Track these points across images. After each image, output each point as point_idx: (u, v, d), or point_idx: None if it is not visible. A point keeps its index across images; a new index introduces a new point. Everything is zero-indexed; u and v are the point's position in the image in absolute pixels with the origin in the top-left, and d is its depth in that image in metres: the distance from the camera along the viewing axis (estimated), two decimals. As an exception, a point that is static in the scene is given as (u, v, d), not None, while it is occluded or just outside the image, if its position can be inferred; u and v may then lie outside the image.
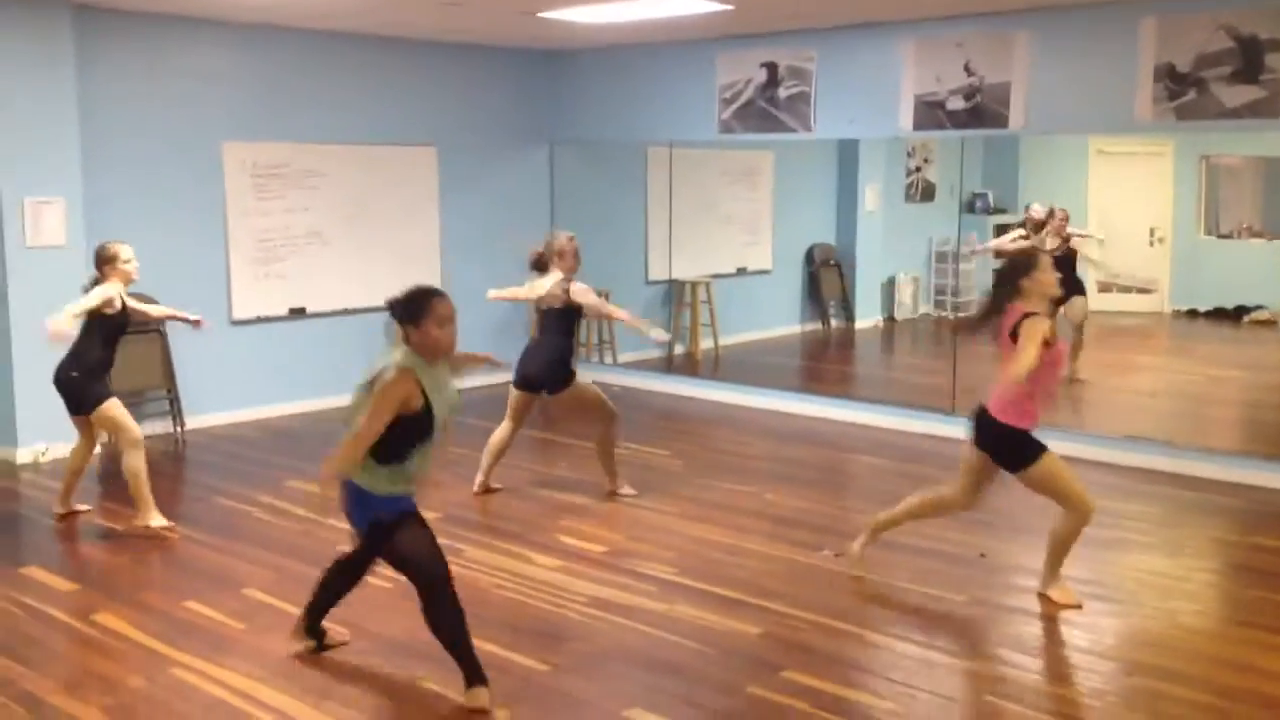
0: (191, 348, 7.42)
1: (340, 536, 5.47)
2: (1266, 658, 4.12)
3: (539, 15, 7.20)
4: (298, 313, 8.17)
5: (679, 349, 10.06)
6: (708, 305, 10.20)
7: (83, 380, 5.44)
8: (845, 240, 11.17)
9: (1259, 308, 10.97)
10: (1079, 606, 4.54)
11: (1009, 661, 4.10)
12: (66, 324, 5.22)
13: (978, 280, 11.25)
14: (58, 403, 6.78)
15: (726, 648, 4.21)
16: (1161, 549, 5.37)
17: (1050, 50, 6.87)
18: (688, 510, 5.91)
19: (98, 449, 7.06)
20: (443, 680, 3.90)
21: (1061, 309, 8.31)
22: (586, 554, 5.22)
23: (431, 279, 8.75)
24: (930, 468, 6.82)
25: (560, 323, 5.94)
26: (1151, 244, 10.90)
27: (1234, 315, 11.02)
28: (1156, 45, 6.42)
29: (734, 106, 8.35)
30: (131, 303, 5.56)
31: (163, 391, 7.45)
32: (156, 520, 5.48)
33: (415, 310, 3.65)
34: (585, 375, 6.18)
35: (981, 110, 7.16)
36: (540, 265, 5.99)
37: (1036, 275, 4.36)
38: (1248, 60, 6.13)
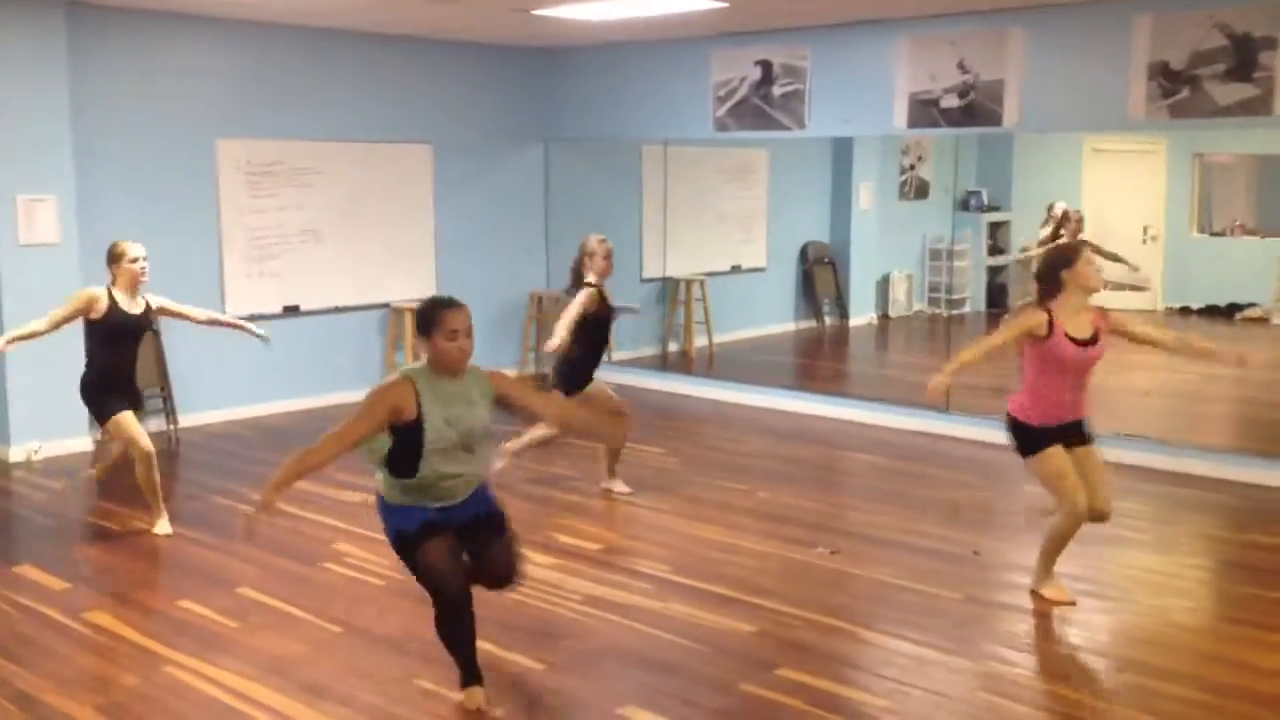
0: (185, 346, 7.41)
1: (334, 535, 5.48)
2: (1259, 654, 4.14)
3: (533, 12, 7.20)
4: (292, 310, 8.16)
5: (673, 346, 10.07)
6: (702, 303, 10.21)
7: (93, 389, 5.40)
8: (839, 238, 11.18)
9: (1251, 305, 11.00)
10: (1073, 603, 4.55)
11: (1002, 658, 4.11)
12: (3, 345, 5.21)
13: (971, 278, 11.28)
14: (50, 401, 6.82)
15: (721, 645, 4.21)
16: (1154, 546, 5.39)
17: (1044, 48, 6.88)
18: (683, 508, 5.91)
19: (90, 447, 7.07)
20: (437, 678, 3.90)
21: None
22: (582, 552, 5.22)
23: (426, 277, 8.77)
24: (925, 465, 6.84)
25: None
26: (1145, 241, 10.93)
27: (1226, 312, 11.05)
28: (1150, 43, 6.43)
29: (729, 104, 8.35)
30: (159, 301, 5.44)
31: (156, 389, 7.43)
32: (160, 528, 5.46)
33: (425, 322, 3.56)
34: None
35: (975, 108, 7.17)
36: (578, 277, 5.92)
37: (1078, 267, 4.37)
38: (1241, 58, 6.14)
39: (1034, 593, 4.63)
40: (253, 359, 7.92)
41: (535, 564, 5.03)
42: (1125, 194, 10.91)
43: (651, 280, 9.99)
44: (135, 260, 5.32)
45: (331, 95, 8.22)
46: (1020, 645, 4.24)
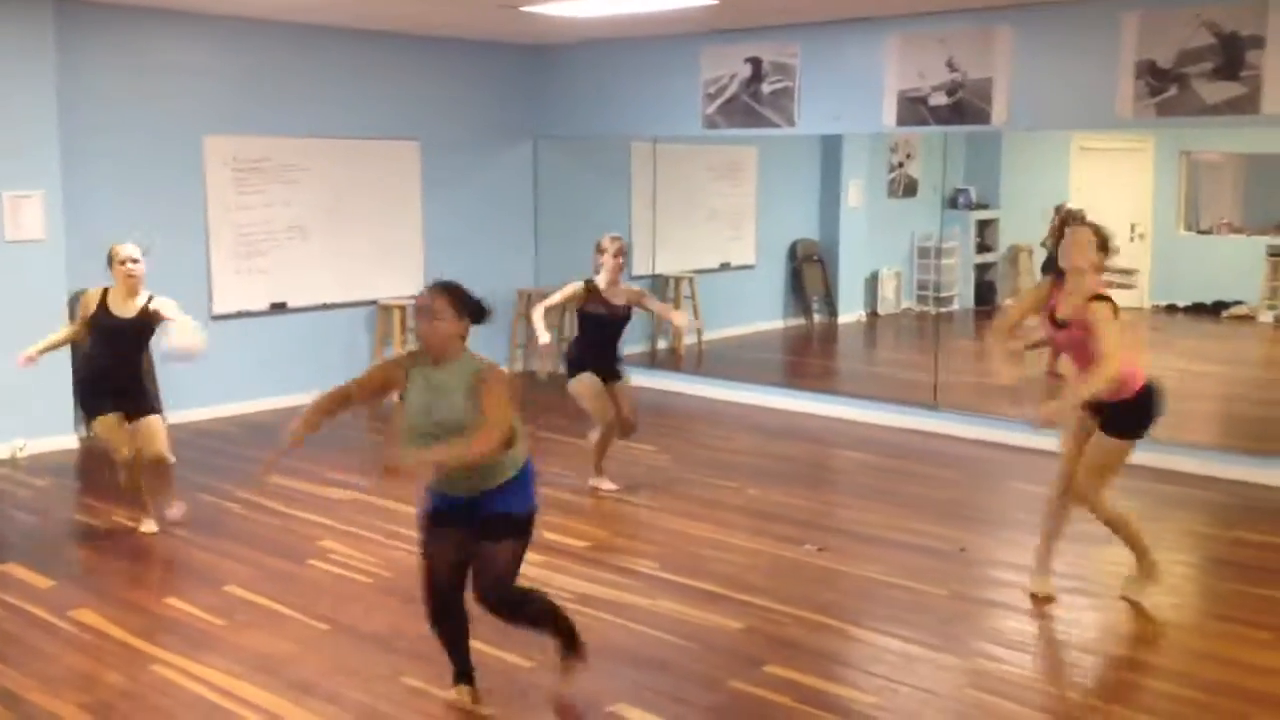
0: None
1: (320, 532, 5.46)
2: (1247, 651, 4.15)
3: (521, 9, 7.18)
4: (279, 307, 8.13)
5: (662, 344, 10.06)
6: (691, 300, 10.20)
7: (83, 389, 5.58)
8: (828, 235, 11.19)
9: (1237, 303, 11.06)
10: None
11: (990, 655, 4.11)
12: (32, 353, 5.32)
13: (960, 275, 11.31)
14: (35, 399, 6.78)
15: (710, 643, 4.21)
16: (1142, 543, 5.40)
17: (1032, 46, 6.89)
18: (672, 505, 5.91)
19: (76, 444, 7.04)
20: (424, 676, 3.89)
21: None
22: (571, 549, 5.22)
23: (414, 274, 8.74)
24: (914, 462, 6.85)
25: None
26: (1132, 239, 10.96)
27: (1213, 310, 11.11)
28: (1138, 41, 6.45)
29: (718, 101, 8.34)
30: (159, 304, 5.31)
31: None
32: (145, 526, 5.43)
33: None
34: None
35: (964, 106, 7.18)
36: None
37: (1061, 244, 4.44)
38: (1228, 57, 6.16)
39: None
40: (240, 356, 7.91)
41: (525, 562, 5.02)
42: (1113, 192, 10.94)
43: (641, 277, 9.95)
44: (124, 262, 5.26)
45: (319, 91, 8.19)
46: (1007, 642, 4.25)
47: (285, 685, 3.84)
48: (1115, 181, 11.07)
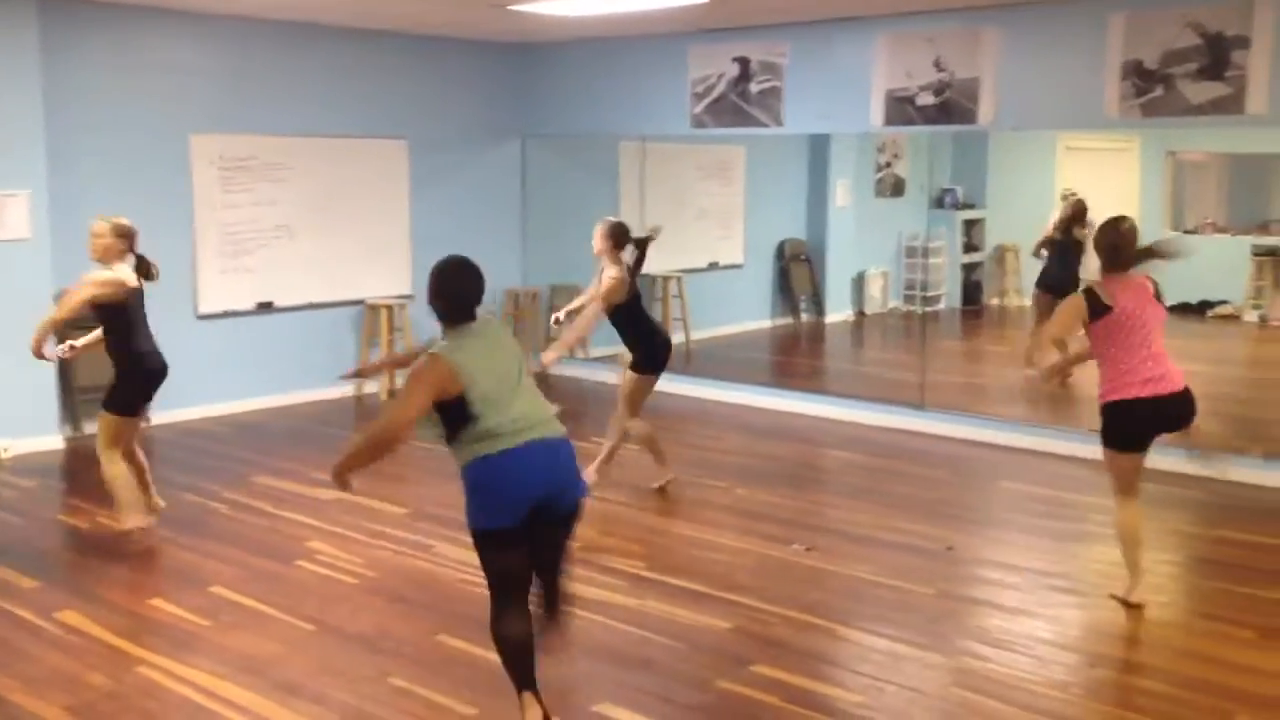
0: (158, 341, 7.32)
1: (307, 532, 5.44)
2: (1230, 649, 4.17)
3: (510, 8, 7.16)
4: (265, 307, 8.10)
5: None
6: (679, 299, 10.20)
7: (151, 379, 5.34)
8: (816, 235, 11.20)
9: (1222, 302, 11.10)
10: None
11: (975, 654, 4.13)
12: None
13: (947, 275, 11.33)
14: (19, 399, 6.74)
15: (697, 642, 4.21)
16: (1127, 542, 5.42)
17: (1019, 46, 6.91)
18: (659, 505, 5.91)
19: (61, 445, 7.02)
20: (410, 676, 3.88)
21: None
22: (557, 549, 5.20)
23: (401, 273, 8.73)
24: (901, 462, 6.86)
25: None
26: (1118, 239, 10.98)
27: (1198, 310, 11.14)
28: (1124, 42, 6.47)
29: (706, 101, 8.35)
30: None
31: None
32: (134, 521, 5.38)
33: None
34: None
35: (951, 106, 7.20)
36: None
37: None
38: (1214, 57, 6.18)
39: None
40: (227, 356, 7.88)
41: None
42: (1098, 191, 10.95)
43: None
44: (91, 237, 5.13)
45: (306, 90, 8.17)
46: (993, 641, 4.26)
47: (271, 686, 3.83)
48: (1101, 181, 11.10)
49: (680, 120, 8.50)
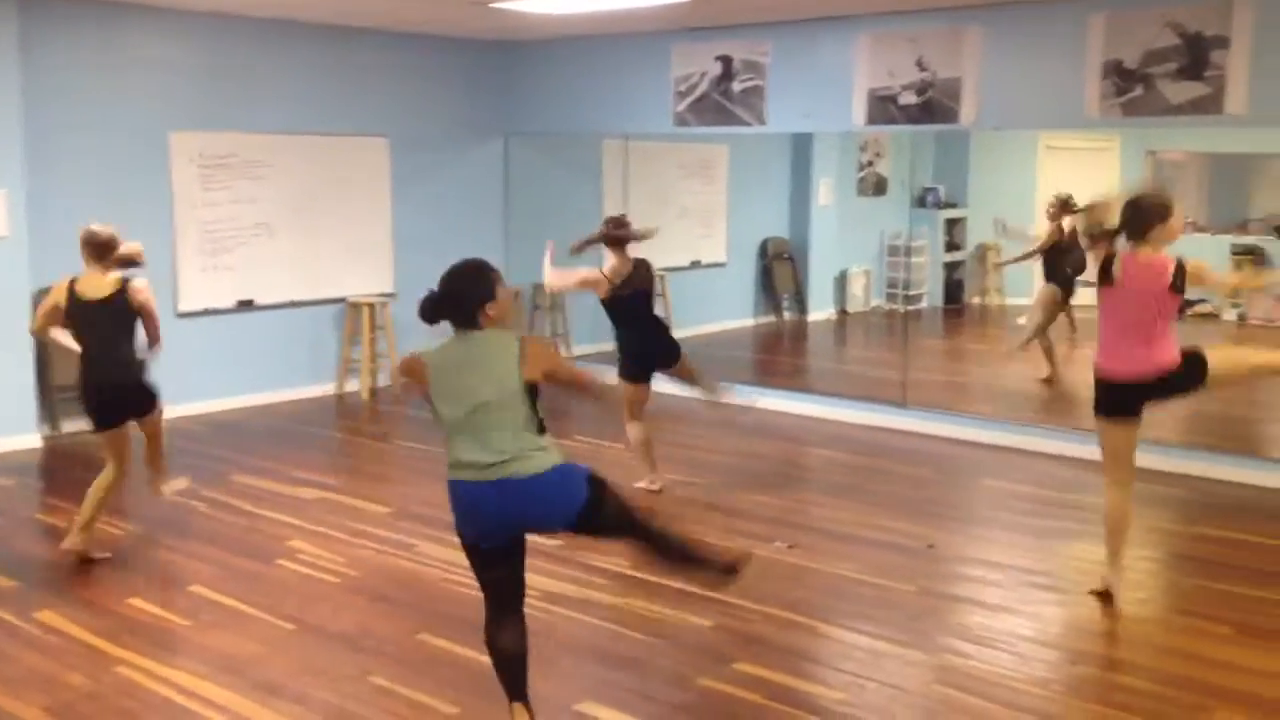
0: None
1: (288, 531, 5.42)
2: (1208, 646, 4.20)
3: (491, 5, 7.15)
4: (246, 305, 8.06)
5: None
6: (662, 298, 10.20)
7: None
8: (799, 234, 11.22)
9: (1201, 301, 11.17)
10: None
11: (957, 651, 4.14)
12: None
13: (929, 274, 11.37)
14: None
15: (679, 640, 4.21)
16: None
17: (1001, 46, 6.94)
18: (641, 502, 5.90)
19: (39, 443, 6.96)
20: (391, 675, 3.87)
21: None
22: (539, 547, 5.18)
23: (383, 272, 8.69)
24: (883, 460, 6.88)
25: None
26: (1099, 238, 11.04)
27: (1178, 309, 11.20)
28: (1104, 42, 6.50)
29: (689, 99, 8.35)
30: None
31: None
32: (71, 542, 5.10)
33: None
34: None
35: (933, 105, 7.22)
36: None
37: (1170, 224, 4.50)
38: (1193, 57, 6.22)
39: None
40: (207, 354, 7.83)
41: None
42: (1079, 191, 10.97)
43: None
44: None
45: (286, 87, 8.13)
46: (974, 638, 4.28)
47: (251, 686, 3.81)
48: (1082, 181, 11.10)
49: (663, 119, 8.50)
